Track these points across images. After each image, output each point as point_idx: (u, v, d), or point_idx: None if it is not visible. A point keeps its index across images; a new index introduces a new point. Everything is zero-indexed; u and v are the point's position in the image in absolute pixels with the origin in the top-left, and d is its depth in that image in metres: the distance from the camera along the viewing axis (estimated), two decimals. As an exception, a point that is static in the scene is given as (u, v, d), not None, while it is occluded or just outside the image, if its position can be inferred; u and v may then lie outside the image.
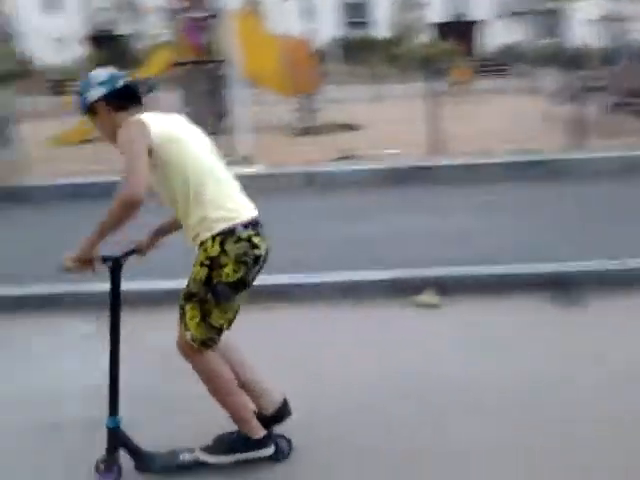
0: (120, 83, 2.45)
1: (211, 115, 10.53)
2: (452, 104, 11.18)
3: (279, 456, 2.51)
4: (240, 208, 2.37)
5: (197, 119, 9.82)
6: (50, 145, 10.89)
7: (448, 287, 4.16)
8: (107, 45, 41.34)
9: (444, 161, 7.81)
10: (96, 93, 2.41)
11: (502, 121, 10.58)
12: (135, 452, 2.48)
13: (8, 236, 6.15)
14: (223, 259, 2.26)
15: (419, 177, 7.36)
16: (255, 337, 3.64)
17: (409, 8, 41.46)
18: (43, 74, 32.82)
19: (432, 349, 3.47)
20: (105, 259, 2.42)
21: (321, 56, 20.76)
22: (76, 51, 42.41)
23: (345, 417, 2.83)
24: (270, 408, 2.56)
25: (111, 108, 2.42)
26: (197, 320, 2.34)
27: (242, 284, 2.34)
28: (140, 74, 12.05)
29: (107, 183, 7.58)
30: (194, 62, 11.31)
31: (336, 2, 42.24)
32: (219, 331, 2.39)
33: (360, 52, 35.57)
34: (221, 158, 2.55)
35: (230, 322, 2.42)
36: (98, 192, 7.43)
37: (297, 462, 2.51)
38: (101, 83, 2.43)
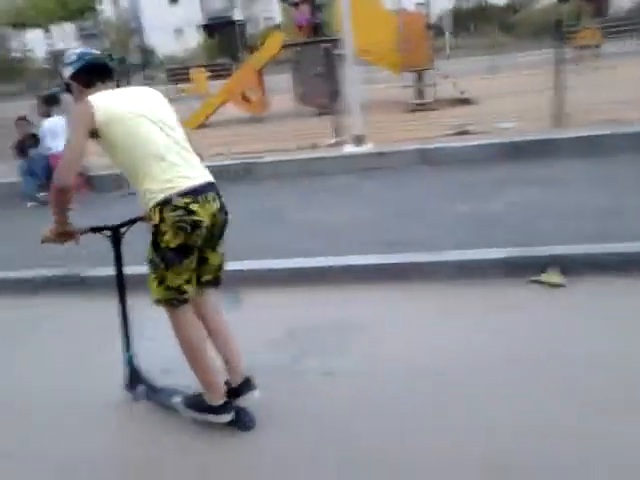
0: (87, 60, 2.62)
1: (323, 95, 10.57)
2: (577, 71, 10.38)
3: (239, 426, 2.72)
4: (179, 179, 2.48)
5: (309, 99, 9.92)
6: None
7: (571, 266, 3.89)
8: (221, 32, 42.82)
9: (565, 133, 7.27)
10: (67, 72, 2.63)
11: (634, 89, 9.67)
12: (143, 381, 3.01)
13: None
14: (163, 227, 2.46)
15: (539, 151, 6.91)
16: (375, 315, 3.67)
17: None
18: (163, 64, 34.64)
19: (571, 328, 3.29)
20: (96, 229, 2.81)
21: (435, 29, 20.13)
22: (192, 40, 44.32)
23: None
24: (235, 381, 2.77)
25: (80, 85, 2.62)
26: (156, 283, 2.58)
27: (185, 248, 2.50)
28: (256, 58, 12.32)
29: (226, 165, 7.92)
30: (305, 43, 11.40)
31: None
32: (178, 291, 2.57)
33: (475, 22, 34.16)
34: (180, 128, 2.69)
35: (189, 282, 2.59)
36: (218, 174, 7.77)
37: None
38: (70, 62, 2.63)
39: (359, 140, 7.91)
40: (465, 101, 11.09)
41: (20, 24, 16.88)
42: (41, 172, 7.62)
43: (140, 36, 46.35)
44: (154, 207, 2.47)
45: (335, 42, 11.22)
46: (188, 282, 2.60)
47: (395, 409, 2.75)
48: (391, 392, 2.89)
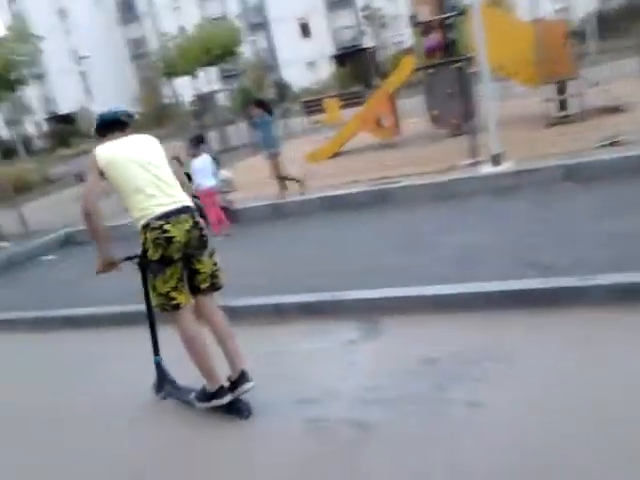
0: (102, 119, 3.54)
1: (457, 115, 10.35)
2: None
3: (238, 415, 3.35)
4: (154, 207, 3.23)
5: (443, 121, 9.73)
6: (309, 161, 11.84)
7: None
8: (352, 60, 43.79)
9: None
10: (93, 128, 3.60)
11: None
12: (169, 381, 3.77)
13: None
14: (147, 244, 3.23)
15: None
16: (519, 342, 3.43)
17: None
18: (298, 97, 36.07)
19: None
20: (129, 258, 3.56)
21: (577, 35, 18.98)
22: (324, 72, 45.80)
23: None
24: (234, 376, 3.41)
25: (98, 136, 3.56)
26: (152, 292, 3.38)
27: (165, 259, 3.22)
28: (388, 84, 12.41)
29: (361, 193, 7.99)
30: (437, 64, 11.28)
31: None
32: (167, 298, 3.28)
33: (621, 23, 31.76)
34: (165, 165, 3.43)
35: (176, 289, 3.27)
36: (357, 202, 7.87)
37: None
38: (95, 121, 3.58)
39: (497, 159, 7.61)
40: (615, 109, 10.26)
41: (172, 73, 18.60)
42: None
43: (276, 71, 48.85)
44: (141, 230, 3.25)
45: (468, 61, 11.00)
46: (176, 289, 3.28)
47: (555, 442, 2.55)
48: (549, 425, 2.69)
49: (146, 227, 3.22)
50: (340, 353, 3.93)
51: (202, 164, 8.04)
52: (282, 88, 44.79)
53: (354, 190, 8.17)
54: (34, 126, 57.81)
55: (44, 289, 7.47)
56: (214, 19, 38.75)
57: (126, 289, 6.49)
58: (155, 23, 53.42)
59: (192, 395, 3.51)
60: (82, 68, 53.64)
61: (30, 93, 43.27)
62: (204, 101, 25.04)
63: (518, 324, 3.75)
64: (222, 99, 29.18)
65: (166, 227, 3.19)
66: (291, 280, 5.49)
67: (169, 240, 3.19)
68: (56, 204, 15.18)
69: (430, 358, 3.53)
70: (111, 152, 3.35)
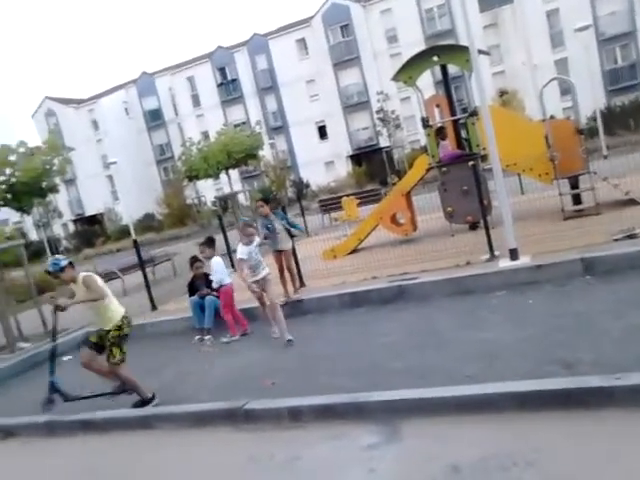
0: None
1: (473, 211, 10.49)
2: None
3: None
4: (122, 309, 5.96)
5: (459, 217, 9.80)
6: (326, 258, 11.95)
7: None
8: (369, 159, 45.30)
9: None
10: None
11: None
12: (62, 394, 6.01)
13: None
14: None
15: None
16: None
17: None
18: (316, 195, 37.05)
19: None
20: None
21: (587, 131, 19.48)
22: (341, 171, 47.28)
23: None
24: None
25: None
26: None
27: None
28: (404, 182, 12.72)
29: (380, 289, 7.99)
30: (450, 163, 11.59)
31: (596, 73, 39.86)
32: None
33: (629, 119, 32.65)
34: None
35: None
36: (377, 297, 7.85)
37: None
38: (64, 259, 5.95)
39: (514, 254, 7.62)
40: (631, 202, 10.32)
41: (195, 176, 19.46)
42: (208, 312, 8.20)
43: (295, 171, 50.53)
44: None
45: (481, 158, 11.29)
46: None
47: None
48: None
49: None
50: (359, 459, 3.78)
51: (219, 263, 8.18)
52: (301, 187, 46.13)
53: (372, 287, 8.17)
54: (62, 227, 59.69)
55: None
56: (236, 125, 40.76)
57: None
58: (180, 129, 56.23)
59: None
60: (109, 172, 56.02)
61: (59, 197, 45.01)
62: (225, 201, 25.82)
63: (547, 426, 3.61)
64: (242, 199, 30.19)
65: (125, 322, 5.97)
66: (308, 379, 5.40)
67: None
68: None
69: (455, 465, 3.37)
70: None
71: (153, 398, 5.88)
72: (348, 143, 50.60)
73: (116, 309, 5.86)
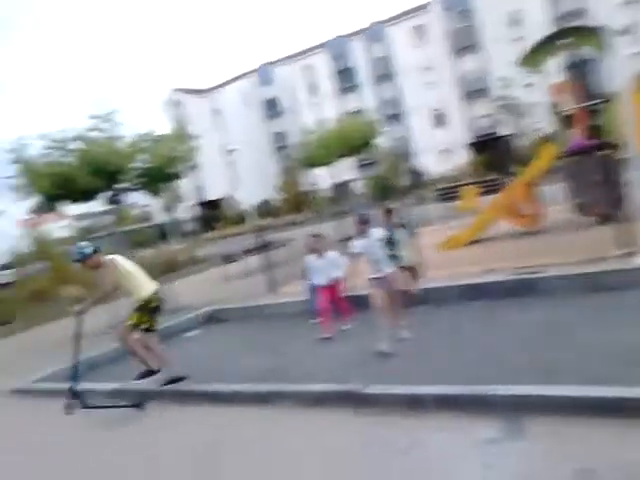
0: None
1: (604, 204, 9.81)
2: None
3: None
4: (151, 287, 6.33)
5: (588, 209, 9.20)
6: (443, 249, 11.71)
7: None
8: (490, 148, 43.61)
9: None
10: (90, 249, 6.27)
11: None
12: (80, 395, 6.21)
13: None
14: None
15: None
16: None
17: None
18: (432, 184, 36.36)
19: None
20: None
21: None
22: (458, 159, 45.98)
23: None
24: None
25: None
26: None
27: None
28: (528, 172, 12.15)
29: (501, 282, 7.69)
30: (582, 151, 10.89)
31: None
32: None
33: None
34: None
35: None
36: (495, 290, 7.57)
37: None
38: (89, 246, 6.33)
39: (653, 249, 7.03)
40: None
41: (311, 164, 19.77)
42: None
43: (410, 159, 49.90)
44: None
45: (615, 148, 10.50)
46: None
47: None
48: None
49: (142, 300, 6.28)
50: (478, 453, 3.69)
51: (332, 257, 7.88)
52: (416, 175, 45.51)
53: (493, 279, 7.89)
54: (185, 211, 63.38)
55: (188, 363, 7.88)
56: (352, 113, 40.92)
57: (259, 368, 6.71)
58: (297, 118, 57.46)
59: (135, 380, 6.27)
60: (229, 159, 58.54)
61: (184, 183, 47.85)
62: (340, 189, 26.07)
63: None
64: (357, 186, 30.25)
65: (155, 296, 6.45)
66: (427, 368, 5.34)
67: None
68: (202, 283, 16.25)
69: (588, 468, 3.18)
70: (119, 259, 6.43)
71: (159, 371, 6.24)
72: (466, 131, 49.17)
73: (143, 288, 6.22)
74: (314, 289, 8.42)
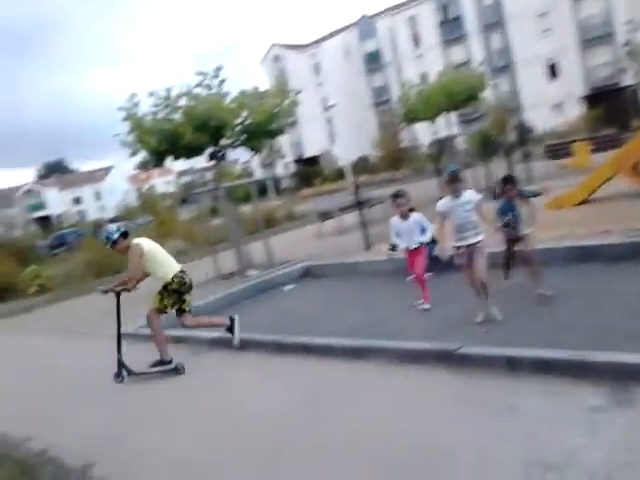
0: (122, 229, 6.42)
1: None
2: None
3: (179, 371, 6.29)
4: (174, 268, 6.33)
5: None
6: (552, 207, 11.07)
7: None
8: (608, 101, 40.16)
9: None
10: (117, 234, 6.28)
11: None
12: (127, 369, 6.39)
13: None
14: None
15: None
16: None
17: None
18: (542, 140, 34.30)
19: None
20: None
21: None
22: (571, 114, 42.90)
23: None
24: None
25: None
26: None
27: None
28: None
29: (615, 245, 7.16)
30: None
31: None
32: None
33: None
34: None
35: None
36: (608, 253, 7.06)
37: None
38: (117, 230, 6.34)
39: None
40: None
41: (412, 119, 19.12)
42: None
43: (518, 114, 47.23)
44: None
45: None
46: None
47: None
48: None
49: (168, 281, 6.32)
50: (581, 420, 3.50)
51: (418, 219, 7.02)
52: (524, 131, 43.13)
53: (606, 241, 7.36)
54: (283, 168, 64.32)
55: (284, 316, 8.09)
56: (457, 66, 39.16)
57: (355, 323, 6.74)
58: (399, 71, 55.93)
59: (150, 367, 6.33)
60: (328, 115, 58.31)
61: (282, 138, 48.44)
62: (442, 145, 25.27)
63: None
64: (459, 142, 29.08)
65: (180, 275, 6.37)
66: (524, 332, 5.14)
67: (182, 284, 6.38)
68: (298, 239, 16.52)
69: None
70: (146, 243, 6.41)
71: (170, 362, 6.27)
72: (582, 82, 45.72)
73: (168, 270, 6.23)
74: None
